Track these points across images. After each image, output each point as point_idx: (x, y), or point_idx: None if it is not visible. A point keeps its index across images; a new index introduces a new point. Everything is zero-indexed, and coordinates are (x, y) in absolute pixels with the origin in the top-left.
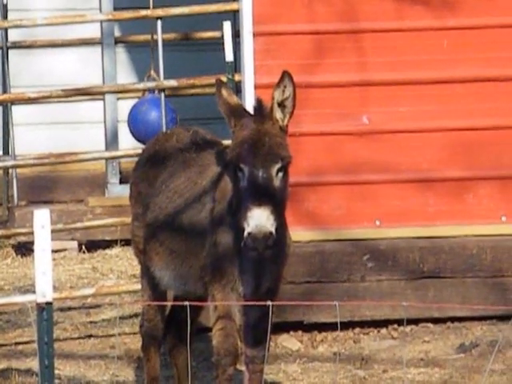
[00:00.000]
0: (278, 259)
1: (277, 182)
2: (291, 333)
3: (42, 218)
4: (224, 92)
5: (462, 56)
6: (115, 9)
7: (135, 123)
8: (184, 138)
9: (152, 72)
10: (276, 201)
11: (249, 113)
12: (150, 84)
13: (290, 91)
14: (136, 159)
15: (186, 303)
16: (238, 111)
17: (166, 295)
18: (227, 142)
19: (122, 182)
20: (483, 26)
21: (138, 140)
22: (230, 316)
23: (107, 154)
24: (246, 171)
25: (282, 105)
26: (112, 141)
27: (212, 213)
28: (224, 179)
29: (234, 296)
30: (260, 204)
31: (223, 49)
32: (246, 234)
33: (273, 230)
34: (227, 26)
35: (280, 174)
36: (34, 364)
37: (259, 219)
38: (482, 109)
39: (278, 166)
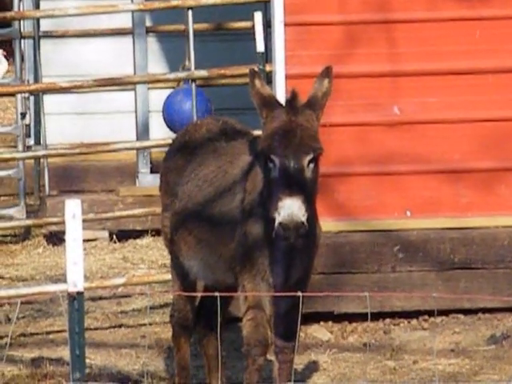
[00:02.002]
0: (308, 250)
1: (308, 173)
2: (321, 323)
3: (73, 208)
4: (257, 82)
5: (494, 46)
6: None
7: (170, 113)
8: (214, 128)
9: (187, 62)
10: (307, 192)
11: (281, 104)
12: (181, 74)
13: (328, 86)
14: (167, 149)
15: (217, 294)
16: (271, 102)
17: (195, 285)
18: (258, 133)
19: (152, 171)
20: None
21: (173, 130)
22: (261, 306)
23: (138, 144)
24: (277, 162)
25: (317, 97)
26: (143, 131)
27: (242, 203)
28: (255, 170)
29: (265, 286)
30: (291, 194)
31: (254, 39)
32: (277, 223)
33: (304, 220)
34: (258, 16)
35: (311, 166)
36: (65, 353)
37: (290, 209)
38: None
39: (309, 157)
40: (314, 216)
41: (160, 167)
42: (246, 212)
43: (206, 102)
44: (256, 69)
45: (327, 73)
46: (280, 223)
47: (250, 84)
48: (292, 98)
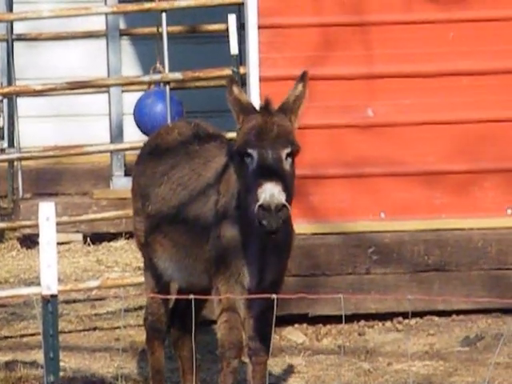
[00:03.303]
0: (282, 252)
1: (286, 166)
2: (296, 325)
3: (46, 211)
4: (235, 89)
5: (468, 48)
6: (120, 1)
7: (141, 116)
8: (186, 131)
9: (158, 65)
10: (286, 184)
11: (257, 111)
12: (155, 77)
13: (301, 90)
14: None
15: (191, 296)
16: (248, 108)
17: (169, 288)
18: (231, 135)
19: (126, 174)
20: (489, 19)
21: (144, 133)
22: (235, 309)
23: (112, 147)
24: (254, 154)
25: (289, 102)
26: (117, 133)
27: (216, 205)
28: (228, 172)
29: (239, 289)
30: (271, 179)
31: (228, 41)
32: (256, 208)
33: (285, 203)
34: (232, 18)
35: (289, 160)
36: (39, 356)
37: (271, 190)
38: (487, 101)
39: (287, 150)
40: (289, 217)
41: (132, 171)
42: (219, 214)
43: (178, 104)
44: (229, 72)
45: (302, 77)
46: (261, 205)
47: (227, 90)
48: (266, 103)
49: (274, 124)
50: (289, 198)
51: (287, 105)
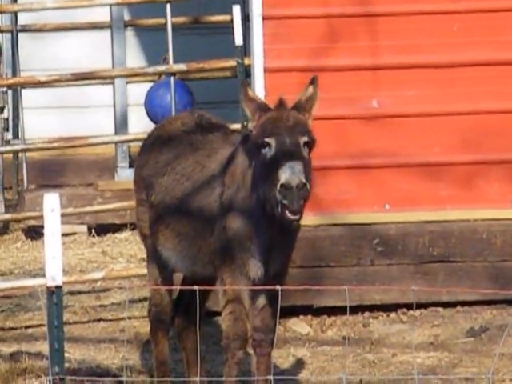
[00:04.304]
0: (287, 243)
1: (305, 153)
2: (301, 317)
3: (51, 202)
4: (250, 91)
5: (473, 39)
6: None
7: (152, 106)
8: (189, 122)
9: (167, 55)
10: (305, 171)
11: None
12: (160, 68)
13: (312, 91)
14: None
15: (195, 287)
16: (264, 106)
17: (172, 279)
18: (235, 126)
19: (131, 165)
20: (494, 10)
21: (156, 123)
22: (240, 300)
23: (117, 138)
24: (272, 142)
25: (301, 101)
26: (121, 125)
27: (221, 197)
28: (234, 164)
29: (244, 280)
30: (291, 159)
31: (233, 33)
32: (278, 188)
33: (307, 183)
34: (237, 9)
35: (306, 150)
36: (43, 347)
37: (292, 169)
38: (492, 93)
39: (304, 138)
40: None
41: (135, 162)
42: (225, 206)
43: (189, 95)
44: (234, 62)
45: (313, 81)
46: (282, 184)
47: (242, 92)
48: (281, 101)
49: (290, 115)
50: (308, 186)
51: (300, 103)
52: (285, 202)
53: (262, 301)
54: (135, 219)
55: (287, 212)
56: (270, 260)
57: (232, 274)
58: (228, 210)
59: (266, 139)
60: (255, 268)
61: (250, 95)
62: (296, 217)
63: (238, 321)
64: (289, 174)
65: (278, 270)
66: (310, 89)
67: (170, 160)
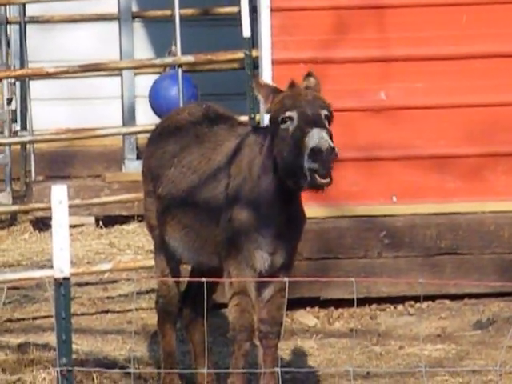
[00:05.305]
0: (293, 235)
1: (327, 125)
2: (308, 309)
3: (59, 194)
4: (261, 79)
5: (481, 31)
6: None
7: (156, 99)
8: (196, 113)
9: (173, 47)
10: (331, 138)
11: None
12: (167, 60)
13: (314, 81)
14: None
15: (203, 279)
16: (277, 90)
17: (179, 270)
18: (242, 118)
19: (138, 157)
20: (502, 2)
21: (159, 116)
22: (246, 292)
23: (124, 130)
24: (294, 115)
25: (314, 86)
26: (129, 116)
27: (227, 189)
28: (239, 155)
29: (250, 272)
30: (317, 126)
31: (241, 24)
32: (307, 153)
33: (335, 147)
34: (245, 1)
35: (327, 123)
36: (51, 339)
37: (319, 134)
38: (499, 85)
39: (324, 111)
40: (299, 200)
41: (143, 153)
42: (230, 197)
43: (193, 87)
44: (242, 54)
45: (309, 74)
46: (312, 149)
47: (254, 80)
48: (292, 83)
49: (308, 92)
50: (336, 150)
51: (310, 87)
52: (315, 166)
53: (268, 293)
54: (143, 210)
55: (318, 177)
56: (276, 252)
57: (238, 265)
58: (234, 202)
59: (288, 113)
60: (261, 259)
61: (261, 82)
62: (327, 180)
63: (244, 313)
64: (317, 138)
65: (284, 261)
66: (312, 79)
67: (176, 152)
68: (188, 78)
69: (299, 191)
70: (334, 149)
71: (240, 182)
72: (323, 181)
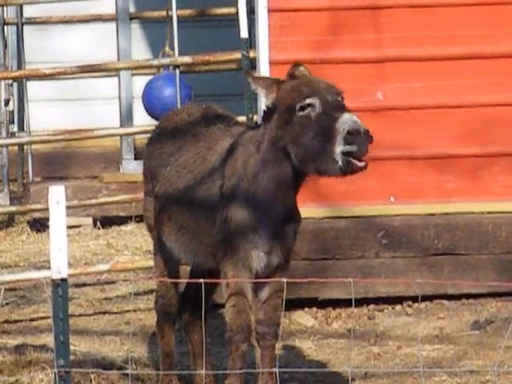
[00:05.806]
0: (289, 235)
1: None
2: (305, 309)
3: (57, 194)
4: (255, 73)
5: (478, 32)
6: None
7: (150, 99)
8: (195, 113)
9: (167, 48)
10: None
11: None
12: (165, 60)
13: (303, 69)
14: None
15: (201, 280)
16: (279, 80)
17: (178, 270)
18: (241, 118)
19: (136, 158)
20: (499, 2)
21: (153, 117)
22: (243, 293)
23: (122, 131)
24: (316, 102)
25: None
26: (127, 117)
27: (222, 189)
28: (233, 155)
29: (246, 273)
30: (344, 111)
31: (238, 25)
32: (343, 135)
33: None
34: (242, 2)
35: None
36: (49, 340)
37: (352, 118)
38: (498, 85)
39: (341, 97)
40: (295, 201)
41: (143, 153)
42: (225, 198)
43: (187, 88)
44: (239, 55)
45: (297, 64)
46: (349, 131)
47: (249, 76)
48: (292, 73)
49: (319, 79)
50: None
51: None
52: (353, 148)
53: (265, 293)
54: (142, 210)
55: (354, 161)
56: (272, 251)
57: (234, 266)
58: (229, 202)
59: (308, 100)
60: (258, 259)
61: (256, 76)
62: (363, 164)
63: (241, 313)
64: (351, 122)
65: (280, 261)
66: (302, 67)
67: (173, 151)
68: (181, 79)
69: (322, 177)
70: (368, 131)
71: (235, 182)
72: (360, 164)
